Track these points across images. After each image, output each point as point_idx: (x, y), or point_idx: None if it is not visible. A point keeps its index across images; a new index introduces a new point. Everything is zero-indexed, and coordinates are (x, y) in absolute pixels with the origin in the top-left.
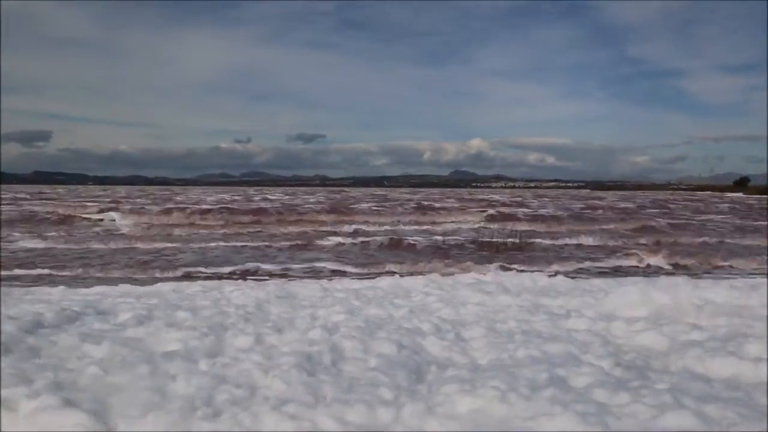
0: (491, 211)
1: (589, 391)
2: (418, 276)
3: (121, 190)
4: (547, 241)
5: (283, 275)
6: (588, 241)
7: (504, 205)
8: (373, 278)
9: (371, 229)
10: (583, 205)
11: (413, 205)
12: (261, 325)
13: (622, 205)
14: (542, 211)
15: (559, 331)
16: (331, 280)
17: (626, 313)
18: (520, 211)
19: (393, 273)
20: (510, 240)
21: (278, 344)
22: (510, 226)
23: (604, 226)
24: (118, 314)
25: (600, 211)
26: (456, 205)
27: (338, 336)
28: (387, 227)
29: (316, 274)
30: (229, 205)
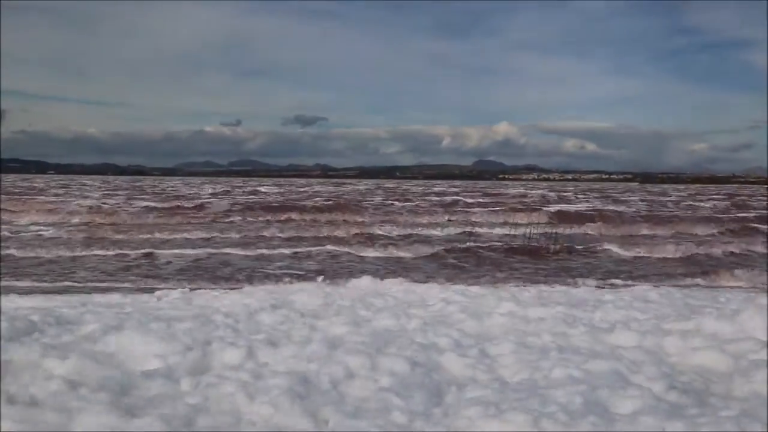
0: (537, 209)
1: (637, 419)
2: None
3: (87, 181)
4: (620, 251)
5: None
6: (678, 249)
7: (548, 201)
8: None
9: (395, 233)
10: (641, 200)
11: (436, 201)
12: (252, 337)
13: (691, 202)
14: (588, 209)
15: (601, 346)
16: (333, 284)
17: (680, 326)
18: (568, 209)
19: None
20: (570, 247)
21: (271, 361)
22: (561, 229)
23: (689, 230)
24: (85, 325)
25: (670, 209)
26: (486, 200)
27: (341, 351)
28: (417, 230)
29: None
30: (204, 201)
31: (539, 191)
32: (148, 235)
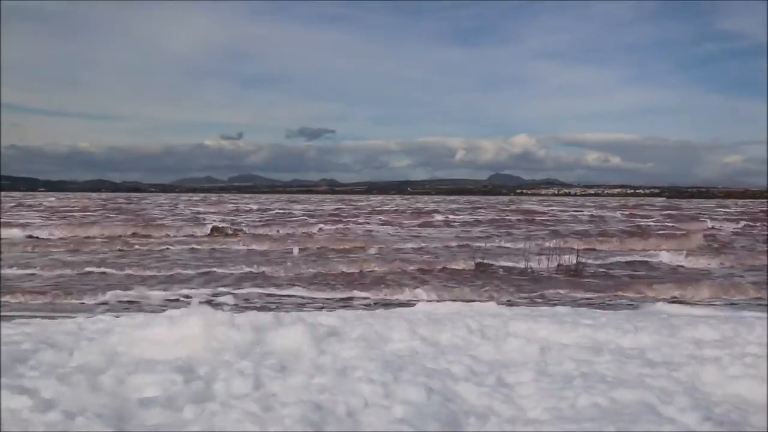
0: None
1: None
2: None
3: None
4: None
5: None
6: None
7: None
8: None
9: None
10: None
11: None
12: (260, 364)
13: None
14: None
15: (628, 375)
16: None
17: (716, 353)
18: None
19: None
20: None
21: (281, 389)
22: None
23: None
24: (79, 351)
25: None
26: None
27: (354, 378)
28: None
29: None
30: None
31: (585, 211)
32: None
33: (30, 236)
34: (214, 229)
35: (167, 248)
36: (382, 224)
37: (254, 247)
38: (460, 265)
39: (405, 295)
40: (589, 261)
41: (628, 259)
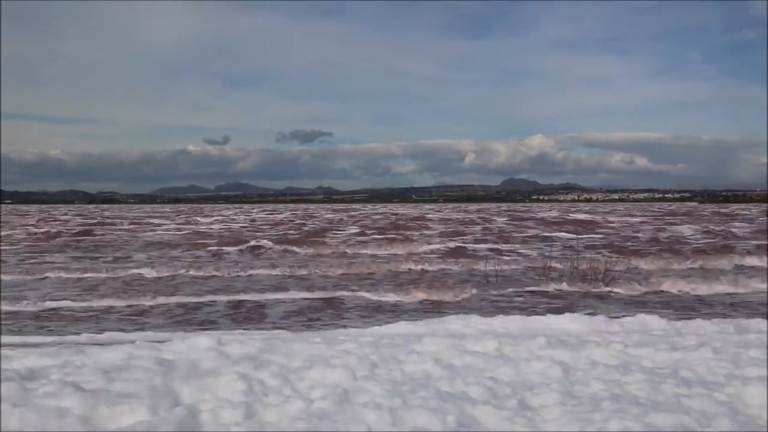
0: None
1: None
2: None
3: None
4: None
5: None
6: None
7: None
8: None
9: None
10: None
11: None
12: (251, 389)
13: None
14: None
15: (662, 396)
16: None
17: (761, 370)
18: None
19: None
20: None
21: (275, 417)
22: None
23: None
24: (50, 380)
25: None
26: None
27: (357, 404)
28: None
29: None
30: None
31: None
32: None
33: None
34: None
35: None
36: None
37: None
38: None
39: None
40: None
41: None
